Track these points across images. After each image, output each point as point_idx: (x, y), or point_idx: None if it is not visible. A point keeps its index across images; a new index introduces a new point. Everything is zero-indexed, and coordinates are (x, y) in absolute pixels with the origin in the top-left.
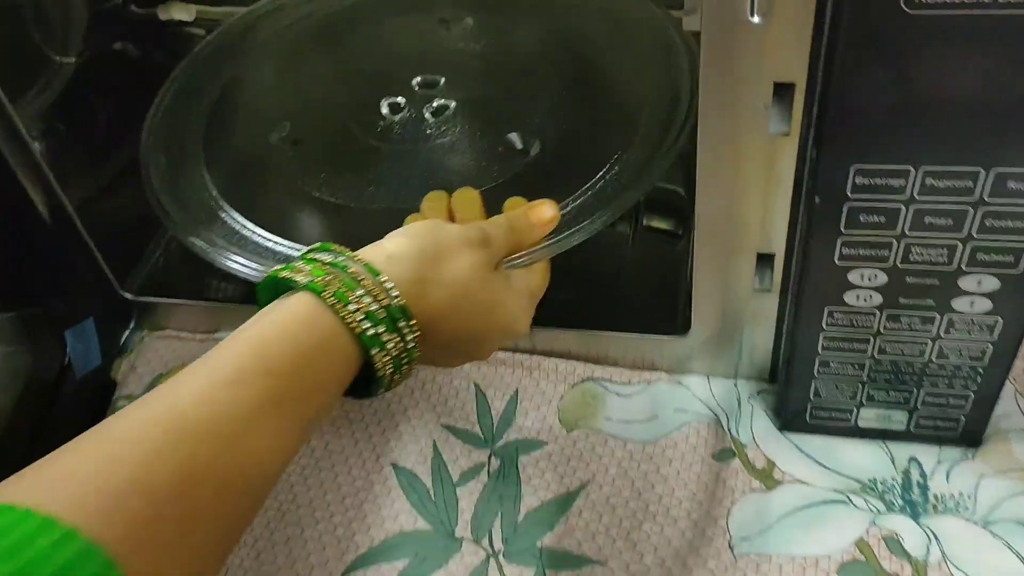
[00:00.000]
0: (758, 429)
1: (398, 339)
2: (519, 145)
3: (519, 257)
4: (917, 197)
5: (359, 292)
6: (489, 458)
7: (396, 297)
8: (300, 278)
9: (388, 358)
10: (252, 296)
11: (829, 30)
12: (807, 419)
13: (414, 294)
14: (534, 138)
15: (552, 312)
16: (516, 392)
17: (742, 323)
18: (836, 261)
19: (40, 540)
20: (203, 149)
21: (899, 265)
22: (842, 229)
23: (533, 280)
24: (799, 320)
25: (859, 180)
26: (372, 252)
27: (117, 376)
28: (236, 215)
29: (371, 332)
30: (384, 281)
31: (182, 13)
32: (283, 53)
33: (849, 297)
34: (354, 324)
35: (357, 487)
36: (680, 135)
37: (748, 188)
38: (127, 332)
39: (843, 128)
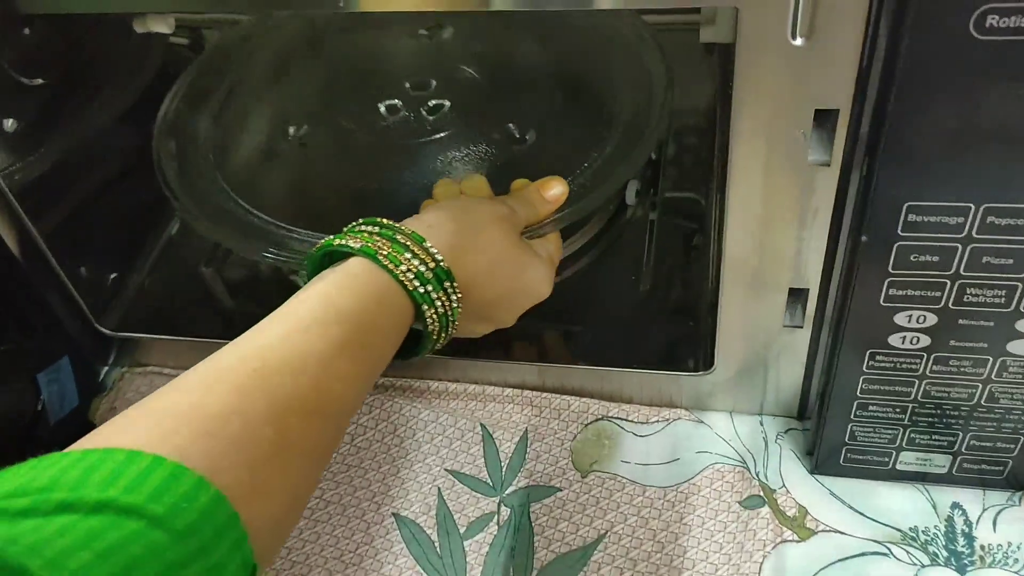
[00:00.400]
0: (788, 472)
1: (445, 298)
2: (516, 134)
3: (533, 229)
4: (976, 236)
5: (408, 255)
6: (498, 507)
7: (441, 261)
8: (354, 244)
9: (436, 316)
10: (238, 328)
11: (885, 55)
12: (840, 462)
13: (454, 260)
14: (529, 128)
15: (562, 346)
16: (525, 432)
17: (769, 359)
18: (881, 302)
19: (131, 468)
20: (212, 152)
21: (951, 307)
22: (890, 269)
23: (551, 248)
24: (837, 362)
25: (912, 218)
26: (414, 223)
27: (96, 417)
28: (257, 212)
29: (421, 290)
30: (429, 247)
31: (160, 25)
32: (276, 64)
33: (894, 340)
34: (407, 282)
35: (357, 541)
36: (662, 115)
37: (782, 220)
38: (106, 369)
39: (897, 162)
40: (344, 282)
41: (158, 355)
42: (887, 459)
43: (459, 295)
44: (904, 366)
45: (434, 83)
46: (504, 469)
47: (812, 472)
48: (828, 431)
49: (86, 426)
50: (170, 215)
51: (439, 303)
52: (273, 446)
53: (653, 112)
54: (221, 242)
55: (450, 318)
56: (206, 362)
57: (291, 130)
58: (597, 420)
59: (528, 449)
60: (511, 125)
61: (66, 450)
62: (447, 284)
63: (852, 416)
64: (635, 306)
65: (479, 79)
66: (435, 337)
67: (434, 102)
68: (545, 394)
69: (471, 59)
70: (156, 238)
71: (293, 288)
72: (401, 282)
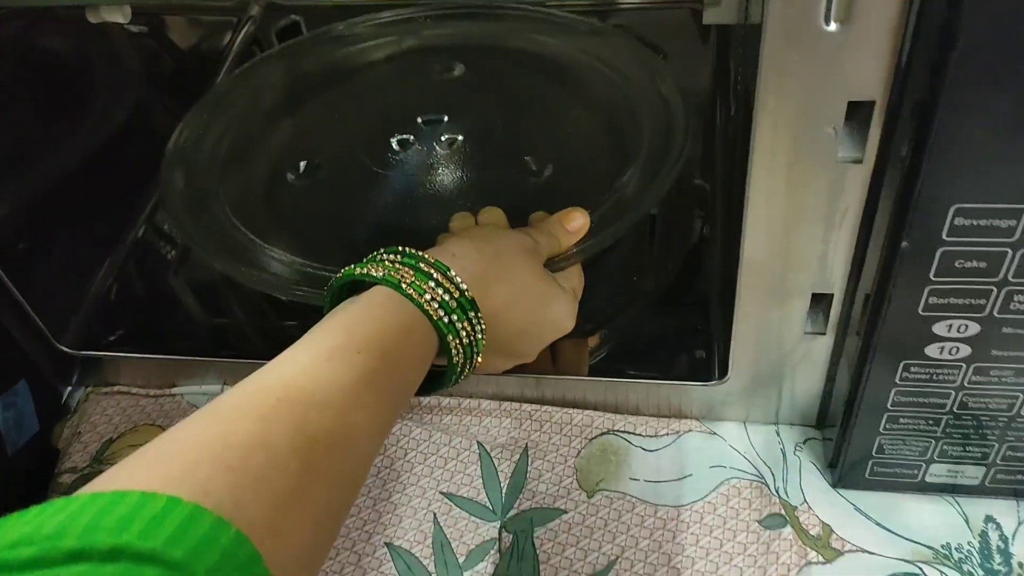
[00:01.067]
0: (809, 487)
1: (470, 328)
2: (533, 167)
3: (555, 261)
4: None
5: (431, 284)
6: (500, 533)
7: (465, 290)
8: (376, 272)
9: (461, 346)
10: (211, 341)
11: (940, 40)
12: (866, 475)
13: (478, 290)
14: (545, 161)
15: (562, 355)
16: (526, 449)
17: (787, 367)
18: (920, 311)
19: (145, 511)
20: (222, 186)
21: (996, 315)
22: (932, 276)
23: (574, 281)
24: (868, 373)
25: (959, 221)
26: (438, 252)
27: (59, 443)
28: (270, 246)
29: (446, 320)
30: (454, 276)
31: (115, 15)
32: (286, 99)
33: (931, 350)
34: (431, 311)
35: (346, 575)
36: (684, 146)
37: (807, 221)
38: (69, 390)
39: (947, 161)
40: (367, 311)
41: (126, 373)
42: (916, 471)
43: (484, 325)
44: (941, 377)
45: (446, 118)
46: (504, 491)
47: (835, 486)
48: (854, 444)
49: (48, 453)
50: (133, 222)
51: (464, 333)
52: (298, 479)
53: (673, 142)
54: (240, 280)
55: (475, 349)
56: (226, 394)
57: (302, 164)
58: (602, 434)
59: (529, 468)
60: (527, 158)
61: (75, 493)
62: (472, 314)
63: (881, 429)
64: (639, 310)
65: (493, 114)
66: (459, 369)
67: (447, 136)
68: (545, 407)
69: (483, 95)
70: (119, 247)
71: (270, 297)
72: (426, 311)
